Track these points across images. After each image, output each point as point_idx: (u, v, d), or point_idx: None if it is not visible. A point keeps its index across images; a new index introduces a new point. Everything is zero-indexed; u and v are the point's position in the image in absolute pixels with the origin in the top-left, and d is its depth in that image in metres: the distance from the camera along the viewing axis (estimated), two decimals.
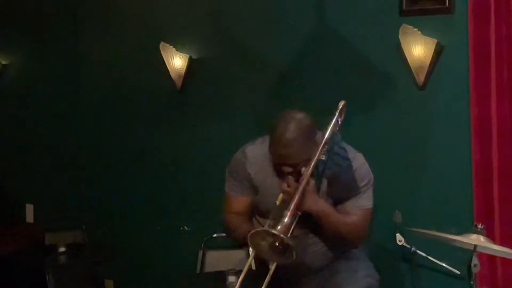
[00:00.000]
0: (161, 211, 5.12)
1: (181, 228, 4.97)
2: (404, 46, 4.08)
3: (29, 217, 5.86)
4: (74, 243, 4.89)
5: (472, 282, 3.07)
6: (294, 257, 2.85)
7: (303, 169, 3.02)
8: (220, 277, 3.89)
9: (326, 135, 3.07)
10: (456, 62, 4.01)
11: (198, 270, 4.48)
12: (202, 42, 4.94)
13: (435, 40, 4.03)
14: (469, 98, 3.92)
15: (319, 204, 3.07)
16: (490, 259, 3.82)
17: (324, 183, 3.17)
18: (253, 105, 4.69)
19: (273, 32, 4.64)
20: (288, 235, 2.87)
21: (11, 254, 5.02)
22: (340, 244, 3.26)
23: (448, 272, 3.91)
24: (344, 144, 3.23)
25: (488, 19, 3.84)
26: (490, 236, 3.35)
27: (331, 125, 3.12)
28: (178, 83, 4.99)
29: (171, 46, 4.95)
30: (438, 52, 4.04)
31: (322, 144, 3.04)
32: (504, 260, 3.79)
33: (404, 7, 4.14)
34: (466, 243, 3.11)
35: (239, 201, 3.34)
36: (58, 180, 5.66)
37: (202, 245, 4.52)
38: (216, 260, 4.49)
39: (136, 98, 5.23)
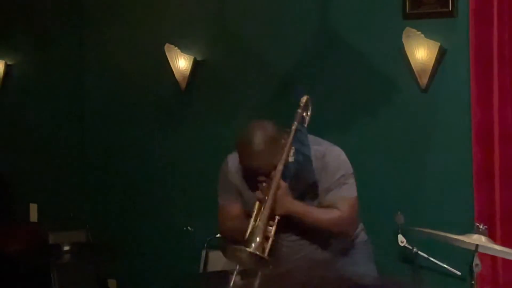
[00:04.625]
0: (164, 211, 5.14)
1: (184, 229, 4.98)
2: (407, 49, 4.10)
3: (33, 216, 5.88)
4: (78, 243, 4.91)
5: (473, 282, 3.10)
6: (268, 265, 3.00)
7: (272, 173, 3.10)
8: (223, 276, 3.91)
9: (290, 138, 3.16)
10: (459, 65, 4.03)
11: (201, 270, 4.50)
12: (206, 44, 4.97)
13: (438, 43, 4.05)
14: (471, 100, 3.94)
15: (294, 205, 3.15)
16: (491, 260, 3.84)
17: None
18: (257, 107, 4.72)
19: (277, 34, 4.66)
20: (265, 248, 3.02)
21: (15, 253, 5.04)
22: (331, 238, 3.29)
23: (449, 273, 3.93)
24: (313, 140, 3.27)
25: (491, 23, 3.87)
26: (491, 237, 3.37)
27: (294, 128, 3.18)
28: (183, 84, 5.01)
29: (176, 48, 4.98)
30: (440, 55, 4.07)
31: (287, 147, 3.13)
32: (505, 261, 3.81)
33: (407, 11, 4.17)
34: (468, 243, 3.13)
35: (231, 208, 3.40)
36: (62, 180, 5.68)
37: (205, 245, 4.55)
38: (218, 260, 4.51)
39: (140, 98, 5.26)
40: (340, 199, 3.24)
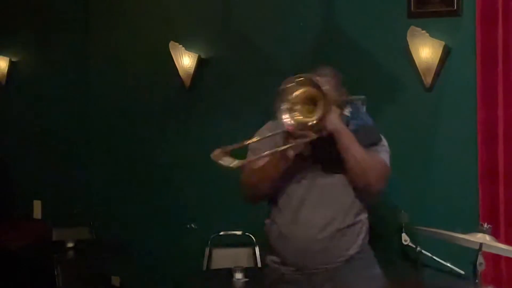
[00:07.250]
0: (168, 208, 5.15)
1: (188, 226, 5.00)
2: (412, 48, 4.11)
3: (37, 213, 5.89)
4: (82, 240, 4.92)
5: (477, 281, 3.09)
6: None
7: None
8: (226, 274, 3.93)
9: (353, 97, 3.42)
10: (463, 64, 4.03)
11: (204, 267, 4.52)
12: (211, 42, 4.98)
13: (443, 42, 4.06)
14: (475, 100, 3.94)
15: (343, 126, 3.21)
16: (494, 259, 3.84)
17: None
18: (262, 104, 4.71)
19: (282, 32, 4.67)
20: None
21: (19, 250, 5.05)
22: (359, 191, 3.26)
23: (453, 272, 3.93)
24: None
25: (496, 22, 3.87)
26: (495, 236, 3.37)
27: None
28: (187, 82, 5.02)
29: (181, 45, 4.99)
30: (445, 54, 4.07)
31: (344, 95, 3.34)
32: (508, 260, 3.81)
33: (412, 9, 4.17)
34: (472, 241, 3.13)
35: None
36: (66, 177, 5.69)
37: (209, 243, 4.56)
38: (222, 257, 4.52)
39: (145, 96, 5.27)
40: (377, 154, 3.29)
